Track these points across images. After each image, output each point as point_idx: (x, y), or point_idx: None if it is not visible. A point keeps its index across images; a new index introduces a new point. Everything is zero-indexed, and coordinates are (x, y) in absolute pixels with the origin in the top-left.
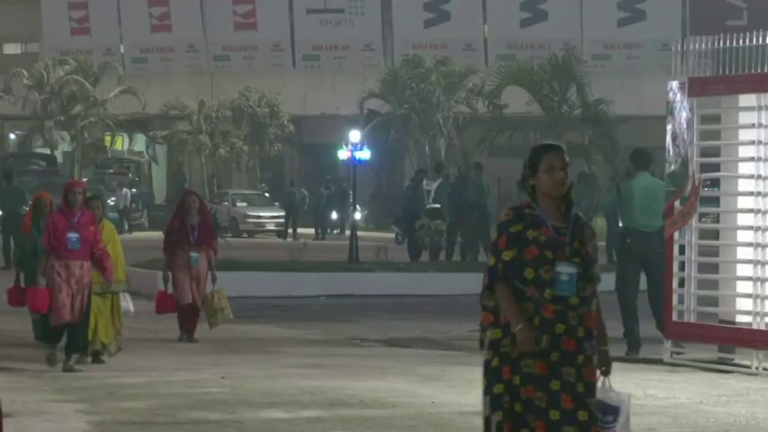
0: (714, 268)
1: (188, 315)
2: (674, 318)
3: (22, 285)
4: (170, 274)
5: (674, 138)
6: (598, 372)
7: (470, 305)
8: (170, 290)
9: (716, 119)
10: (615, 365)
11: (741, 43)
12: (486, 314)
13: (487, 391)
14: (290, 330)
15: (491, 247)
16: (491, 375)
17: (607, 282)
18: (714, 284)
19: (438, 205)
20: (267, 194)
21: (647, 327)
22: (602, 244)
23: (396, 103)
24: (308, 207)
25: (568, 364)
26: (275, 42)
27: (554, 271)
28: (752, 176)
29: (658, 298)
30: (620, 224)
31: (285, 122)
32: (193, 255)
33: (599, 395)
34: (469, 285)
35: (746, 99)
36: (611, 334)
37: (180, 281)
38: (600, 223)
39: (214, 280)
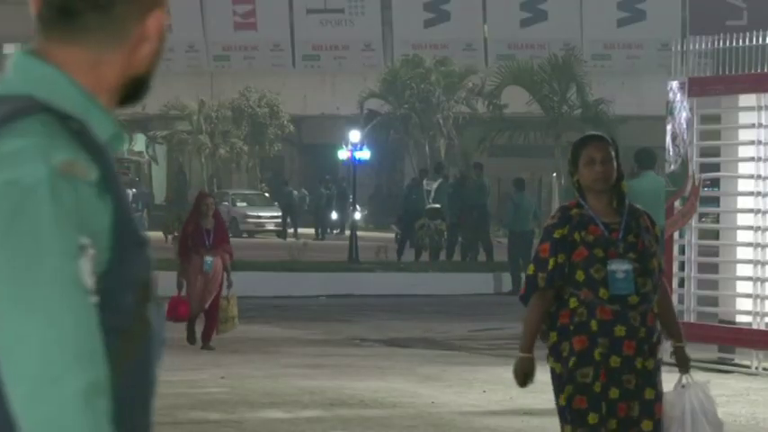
0: (714, 268)
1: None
2: None
3: None
4: (184, 281)
5: (674, 138)
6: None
7: (470, 305)
8: (183, 293)
9: (716, 119)
10: None
11: (741, 43)
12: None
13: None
14: (290, 330)
15: (533, 254)
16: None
17: None
18: (714, 284)
19: (438, 205)
20: (267, 194)
21: None
22: None
23: (396, 103)
24: (308, 207)
25: (629, 370)
26: (275, 42)
27: (606, 270)
28: (752, 176)
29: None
30: None
31: (285, 122)
32: (208, 260)
33: (671, 397)
34: (469, 285)
35: (746, 99)
36: None
37: (195, 288)
38: None
39: (230, 285)
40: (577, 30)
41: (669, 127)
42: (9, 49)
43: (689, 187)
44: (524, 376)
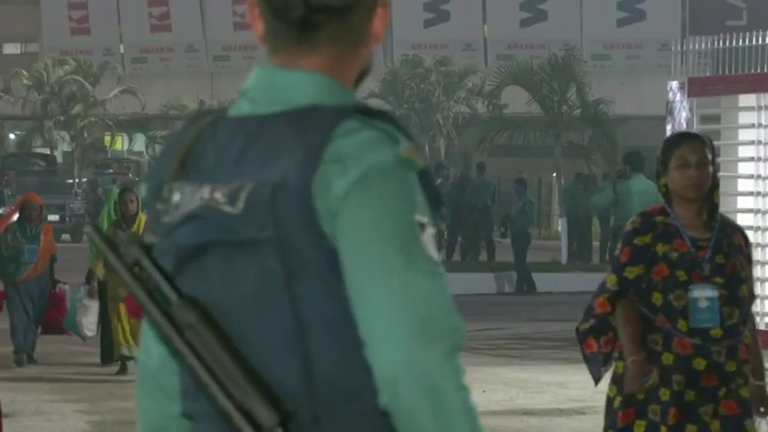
0: None
1: None
2: None
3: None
4: None
5: None
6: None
7: (470, 305)
8: None
9: (716, 119)
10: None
11: (741, 43)
12: (588, 341)
13: None
14: None
15: (612, 261)
16: (609, 418)
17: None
18: None
19: None
20: None
21: None
22: (596, 244)
23: (395, 103)
24: None
25: (708, 401)
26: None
27: (688, 297)
28: (752, 176)
29: None
30: (612, 224)
31: None
32: None
33: None
34: (469, 285)
35: (746, 99)
36: None
37: None
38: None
39: None
40: (577, 30)
41: (669, 127)
42: (9, 49)
43: None
44: (642, 378)
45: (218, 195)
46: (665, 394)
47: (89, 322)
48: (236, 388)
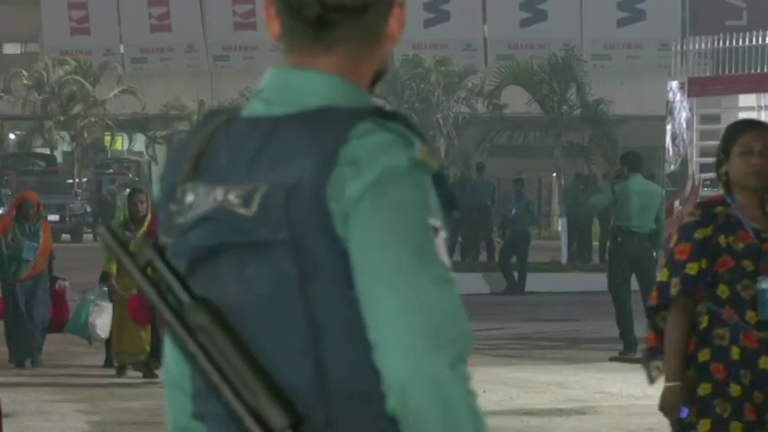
0: None
1: None
2: None
3: None
4: None
5: (674, 138)
6: None
7: (470, 305)
8: None
9: (716, 119)
10: (614, 366)
11: (741, 43)
12: (653, 335)
13: None
14: None
15: (667, 257)
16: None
17: (603, 282)
18: None
19: None
20: None
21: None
22: (595, 244)
23: (395, 103)
24: None
25: None
26: (275, 43)
27: (756, 288)
28: None
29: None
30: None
31: None
32: None
33: None
34: (469, 285)
35: (746, 99)
36: (608, 334)
37: None
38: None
39: None
40: (577, 30)
41: (669, 127)
42: (9, 49)
43: (689, 187)
44: (673, 410)
45: (232, 197)
46: (735, 390)
47: (103, 323)
48: (248, 390)
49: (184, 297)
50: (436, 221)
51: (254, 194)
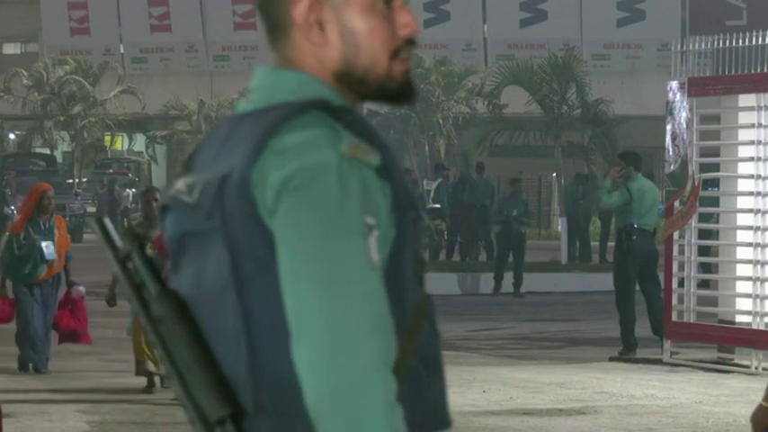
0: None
1: None
2: (674, 318)
3: (9, 296)
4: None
5: (674, 138)
6: None
7: (470, 305)
8: None
9: (715, 119)
10: (614, 365)
11: (740, 43)
12: None
13: None
14: None
15: None
16: None
17: (603, 282)
18: (713, 284)
19: (438, 205)
20: None
21: (645, 327)
22: (594, 244)
23: None
24: None
25: None
26: None
27: None
28: (751, 176)
29: (655, 299)
30: (618, 224)
31: None
32: None
33: None
34: (469, 285)
35: (746, 99)
36: (608, 334)
37: None
38: (598, 224)
39: None
40: (577, 30)
41: (669, 127)
42: (9, 49)
43: (689, 187)
44: (758, 429)
45: (181, 185)
46: None
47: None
48: (192, 380)
49: (152, 288)
50: (370, 219)
51: (197, 183)
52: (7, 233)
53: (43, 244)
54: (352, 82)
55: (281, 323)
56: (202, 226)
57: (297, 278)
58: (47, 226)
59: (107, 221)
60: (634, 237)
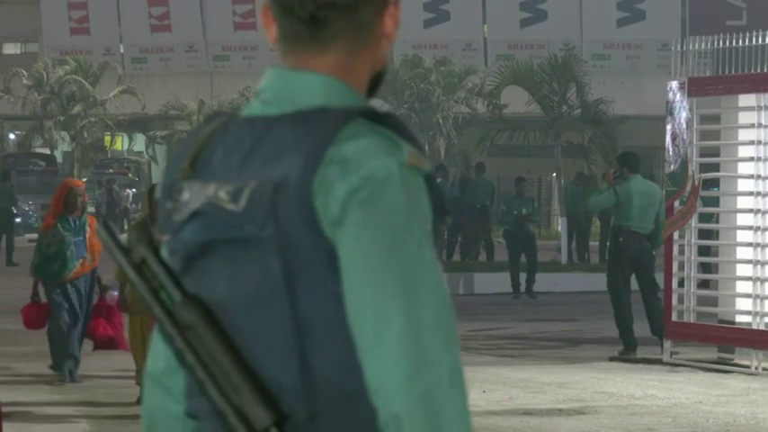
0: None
1: None
2: (674, 318)
3: (41, 300)
4: None
5: (674, 138)
6: None
7: (470, 305)
8: None
9: (715, 119)
10: (614, 365)
11: (740, 43)
12: None
13: None
14: None
15: None
16: None
17: (603, 282)
18: (713, 284)
19: None
20: None
21: (645, 327)
22: (594, 244)
23: (395, 103)
24: None
25: None
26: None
27: None
28: (751, 176)
29: (652, 300)
30: (612, 224)
31: None
32: None
33: None
34: (469, 285)
35: (746, 99)
36: (608, 334)
37: None
38: (598, 224)
39: None
40: (577, 30)
41: (669, 127)
42: (9, 49)
43: (689, 187)
44: None
45: (222, 193)
46: None
47: None
48: (232, 388)
49: (175, 294)
50: (428, 226)
51: (243, 190)
52: (41, 232)
53: (72, 241)
54: (378, 82)
55: (338, 334)
56: (250, 234)
57: (373, 290)
58: (77, 223)
59: (112, 225)
60: (620, 238)
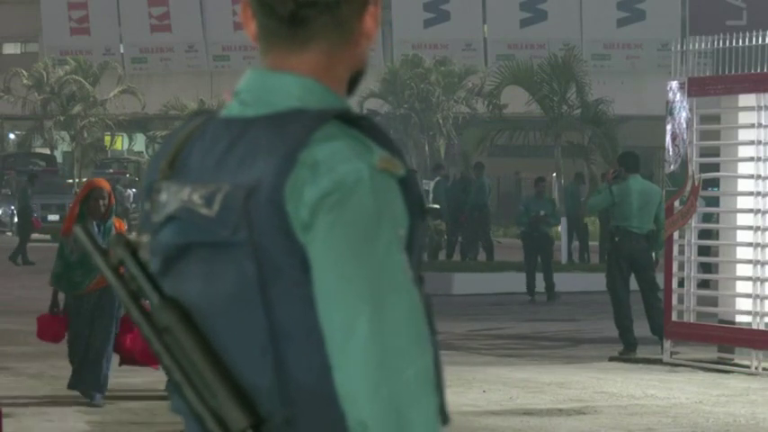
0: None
1: None
2: (674, 318)
3: (61, 310)
4: None
5: (674, 138)
6: None
7: (470, 305)
8: None
9: (715, 119)
10: (614, 365)
11: (740, 43)
12: None
13: None
14: None
15: None
16: None
17: (603, 282)
18: (713, 284)
19: (437, 205)
20: None
21: (645, 327)
22: (594, 244)
23: (395, 102)
24: None
25: None
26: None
27: None
28: (751, 176)
29: (652, 300)
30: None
31: None
32: None
33: None
34: (470, 285)
35: (746, 99)
36: (608, 334)
37: None
38: (596, 224)
39: None
40: (577, 30)
41: (669, 127)
42: (9, 49)
43: (689, 187)
44: None
45: (196, 197)
46: None
47: None
48: (209, 391)
49: (153, 297)
50: (401, 230)
51: (216, 195)
52: (62, 236)
53: None
54: (357, 81)
55: (313, 337)
56: (223, 238)
57: (340, 294)
58: (102, 228)
59: (92, 227)
60: (616, 238)
